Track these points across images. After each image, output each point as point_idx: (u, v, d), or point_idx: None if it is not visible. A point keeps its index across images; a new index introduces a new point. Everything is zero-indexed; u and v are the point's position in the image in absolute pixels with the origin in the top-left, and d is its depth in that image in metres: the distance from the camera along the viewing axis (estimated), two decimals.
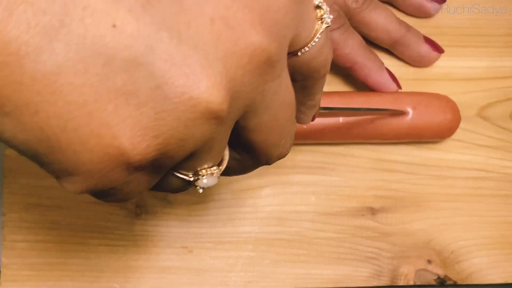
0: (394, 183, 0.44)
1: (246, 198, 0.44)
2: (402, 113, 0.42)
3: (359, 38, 0.42)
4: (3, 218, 0.42)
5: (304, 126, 0.33)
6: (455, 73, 0.46)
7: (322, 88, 0.27)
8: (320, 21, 0.24)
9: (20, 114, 0.19)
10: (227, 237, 0.43)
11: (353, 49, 0.41)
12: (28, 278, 0.42)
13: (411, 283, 0.43)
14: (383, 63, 0.43)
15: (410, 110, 0.42)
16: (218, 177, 0.24)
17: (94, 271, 0.42)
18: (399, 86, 0.43)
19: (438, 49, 0.45)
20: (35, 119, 0.19)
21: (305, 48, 0.24)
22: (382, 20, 0.43)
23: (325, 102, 0.42)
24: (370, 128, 0.42)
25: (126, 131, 0.19)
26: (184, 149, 0.21)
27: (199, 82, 0.19)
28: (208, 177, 0.23)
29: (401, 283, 0.43)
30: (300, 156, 0.44)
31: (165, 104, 0.19)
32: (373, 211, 0.44)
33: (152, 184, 0.23)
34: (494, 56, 0.46)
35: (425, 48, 0.44)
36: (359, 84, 0.45)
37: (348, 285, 0.43)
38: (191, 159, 0.22)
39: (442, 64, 0.46)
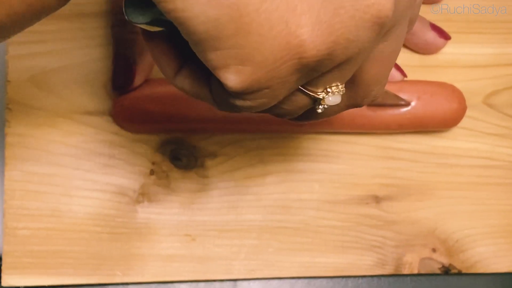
0: (399, 171, 0.44)
1: (249, 186, 0.43)
2: (405, 104, 0.41)
3: None
4: (5, 205, 0.42)
5: None
6: (461, 60, 0.46)
7: None
8: None
9: None
10: (231, 225, 0.43)
11: None
12: (30, 265, 0.41)
13: (416, 271, 0.43)
14: None
15: (414, 100, 0.41)
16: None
17: (96, 259, 0.42)
18: (403, 75, 0.43)
19: (445, 36, 0.44)
20: None
21: None
22: None
23: None
24: (374, 118, 0.42)
25: (308, 22, 0.20)
26: (345, 53, 0.21)
27: None
28: (335, 95, 0.24)
29: (406, 271, 0.43)
30: (304, 143, 0.44)
31: (345, 0, 0.20)
32: (377, 199, 0.44)
33: (290, 92, 0.23)
34: (501, 43, 0.46)
35: (431, 35, 0.44)
36: None
37: (352, 273, 0.43)
38: (333, 71, 0.23)
39: (448, 51, 0.46)
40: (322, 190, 0.44)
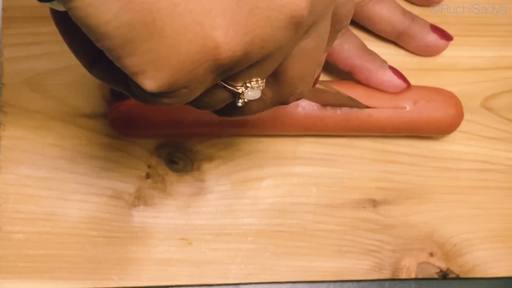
0: (397, 175, 0.44)
1: (246, 190, 0.43)
2: (362, 106, 0.41)
3: (356, 41, 0.41)
4: None
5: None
6: (460, 63, 0.45)
7: (330, 46, 0.28)
8: None
9: None
10: (227, 229, 0.42)
11: (349, 52, 0.41)
12: (25, 269, 0.41)
13: (413, 276, 0.43)
14: (385, 62, 0.42)
15: (411, 104, 0.41)
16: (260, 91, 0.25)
17: (91, 263, 0.41)
18: (406, 83, 0.41)
19: (447, 37, 0.44)
20: None
21: None
22: (385, 13, 0.42)
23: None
24: (369, 121, 0.41)
25: (223, 24, 0.20)
26: (262, 52, 0.22)
27: None
28: (254, 90, 0.24)
29: (403, 276, 0.43)
30: (301, 147, 0.44)
31: (260, 1, 0.20)
32: (375, 203, 0.43)
33: (207, 88, 0.23)
34: (500, 46, 0.46)
35: (432, 38, 0.43)
36: None
37: (349, 278, 0.43)
38: (251, 68, 0.23)
39: (447, 53, 0.45)
40: (319, 194, 0.43)
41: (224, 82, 0.24)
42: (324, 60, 0.29)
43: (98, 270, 0.41)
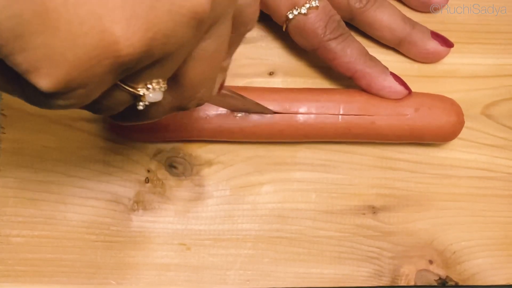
0: (397, 182, 0.44)
1: (245, 195, 0.43)
2: (269, 112, 0.40)
3: (358, 46, 0.41)
4: None
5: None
6: (460, 70, 0.45)
7: (234, 51, 0.28)
8: None
9: None
10: (226, 235, 0.42)
11: (351, 57, 0.41)
12: (23, 273, 0.41)
13: (412, 283, 0.43)
14: (386, 68, 0.42)
15: (412, 111, 0.41)
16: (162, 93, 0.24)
17: (90, 268, 0.41)
18: (407, 89, 0.41)
19: (447, 44, 0.44)
20: None
21: None
22: (386, 19, 0.42)
23: (326, 99, 0.41)
24: (371, 129, 0.41)
25: (123, 17, 0.19)
26: (164, 49, 0.21)
27: None
28: (156, 91, 0.24)
29: (402, 283, 0.43)
30: (301, 153, 0.44)
31: None
32: (374, 210, 0.43)
33: (106, 88, 0.22)
34: (500, 54, 0.46)
35: (433, 45, 0.43)
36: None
37: (348, 284, 0.43)
38: (152, 67, 0.22)
39: (447, 61, 0.45)
40: (319, 200, 0.43)
41: (124, 83, 0.23)
42: (228, 66, 0.29)
43: (97, 274, 0.41)
